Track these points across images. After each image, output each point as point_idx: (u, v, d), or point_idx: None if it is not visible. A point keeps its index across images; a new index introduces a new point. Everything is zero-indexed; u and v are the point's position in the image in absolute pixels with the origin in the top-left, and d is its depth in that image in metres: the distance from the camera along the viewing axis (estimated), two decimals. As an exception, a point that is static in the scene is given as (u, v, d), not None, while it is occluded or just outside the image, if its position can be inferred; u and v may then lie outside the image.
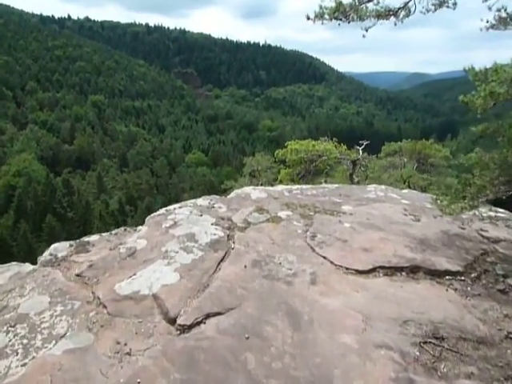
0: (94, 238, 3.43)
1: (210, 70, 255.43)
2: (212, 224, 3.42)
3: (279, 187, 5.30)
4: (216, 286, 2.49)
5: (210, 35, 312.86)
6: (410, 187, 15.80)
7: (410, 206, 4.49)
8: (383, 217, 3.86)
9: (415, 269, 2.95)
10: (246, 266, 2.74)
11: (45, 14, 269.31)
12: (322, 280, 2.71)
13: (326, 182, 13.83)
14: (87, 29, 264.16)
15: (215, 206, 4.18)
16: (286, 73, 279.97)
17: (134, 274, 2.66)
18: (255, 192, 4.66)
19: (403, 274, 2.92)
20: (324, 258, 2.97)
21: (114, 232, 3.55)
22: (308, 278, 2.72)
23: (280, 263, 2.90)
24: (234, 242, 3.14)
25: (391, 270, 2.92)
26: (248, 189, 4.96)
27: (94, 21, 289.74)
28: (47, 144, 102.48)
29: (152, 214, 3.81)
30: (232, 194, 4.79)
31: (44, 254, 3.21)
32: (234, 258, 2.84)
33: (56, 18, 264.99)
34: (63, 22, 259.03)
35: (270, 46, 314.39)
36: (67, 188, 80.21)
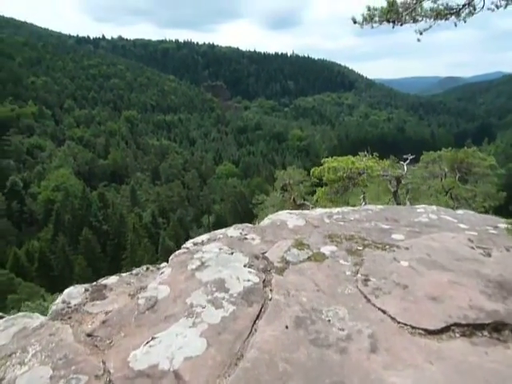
0: (112, 280, 2.99)
1: (238, 82, 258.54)
2: (245, 265, 2.91)
3: (317, 211, 4.75)
4: (252, 359, 1.97)
5: (237, 48, 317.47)
6: (452, 198, 14.76)
7: (474, 234, 3.85)
8: (446, 251, 3.25)
9: (500, 326, 2.34)
10: (287, 327, 2.22)
11: (81, 34, 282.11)
12: (385, 346, 2.14)
13: (364, 198, 13.01)
14: (120, 47, 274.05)
15: (247, 237, 3.69)
16: (314, 82, 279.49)
17: (153, 339, 2.19)
18: (292, 219, 4.13)
19: (485, 333, 2.30)
20: (383, 311, 2.41)
21: (134, 272, 3.10)
22: (366, 344, 2.15)
23: (329, 320, 2.35)
24: (271, 290, 2.63)
25: (469, 329, 2.31)
26: (283, 214, 4.45)
27: (127, 39, 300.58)
28: (83, 159, 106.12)
29: (177, 252, 3.35)
30: (266, 221, 4.29)
31: (57, 301, 2.78)
32: (273, 314, 2.33)
33: (91, 38, 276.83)
34: (98, 42, 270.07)
35: (297, 56, 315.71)
36: (102, 201, 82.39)
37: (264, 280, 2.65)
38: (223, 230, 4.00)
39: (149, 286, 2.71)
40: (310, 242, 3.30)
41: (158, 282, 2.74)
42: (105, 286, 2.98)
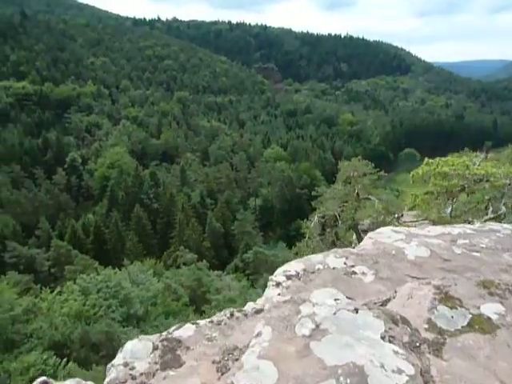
0: (188, 331, 2.20)
1: (290, 64, 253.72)
2: (382, 337, 1.99)
3: (431, 231, 3.74)
4: None
5: (290, 29, 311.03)
6: None
7: None
8: None
9: None
10: None
11: (138, 16, 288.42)
12: None
13: (451, 210, 11.23)
14: (175, 28, 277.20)
15: (356, 270, 2.80)
16: (368, 65, 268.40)
17: None
18: (410, 246, 3.16)
19: None
20: None
21: (216, 320, 2.30)
22: None
23: None
24: (434, 389, 1.72)
25: None
26: (388, 233, 3.51)
27: (181, 21, 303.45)
28: (137, 138, 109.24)
29: (274, 298, 2.50)
30: (367, 244, 3.37)
31: (116, 360, 2.00)
32: None
33: (147, 19, 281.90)
34: (153, 24, 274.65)
35: (351, 37, 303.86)
36: (153, 180, 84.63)
37: (421, 370, 1.77)
38: (321, 257, 3.12)
39: (244, 359, 1.90)
40: (460, 294, 2.35)
41: (257, 353, 1.92)
42: (179, 341, 2.20)
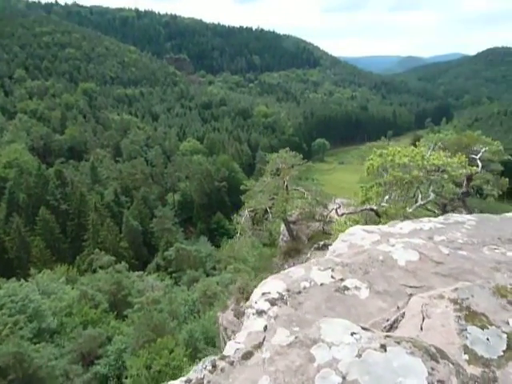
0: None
1: (202, 55, 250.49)
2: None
3: (403, 227, 3.45)
4: None
5: (201, 20, 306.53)
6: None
7: None
8: None
9: None
10: None
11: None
12: None
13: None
14: (75, 14, 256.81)
15: (348, 285, 2.34)
16: (279, 58, 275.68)
17: None
18: (396, 249, 2.80)
19: None
20: None
21: (195, 380, 1.63)
22: None
23: None
24: None
25: None
26: (359, 233, 3.12)
27: (82, 6, 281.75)
28: (38, 134, 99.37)
29: (254, 327, 1.93)
30: (342, 247, 2.95)
31: None
32: None
33: (42, 3, 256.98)
34: (50, 7, 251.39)
35: (262, 30, 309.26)
36: (60, 179, 77.79)
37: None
38: (303, 272, 2.61)
39: None
40: (483, 308, 1.99)
41: None
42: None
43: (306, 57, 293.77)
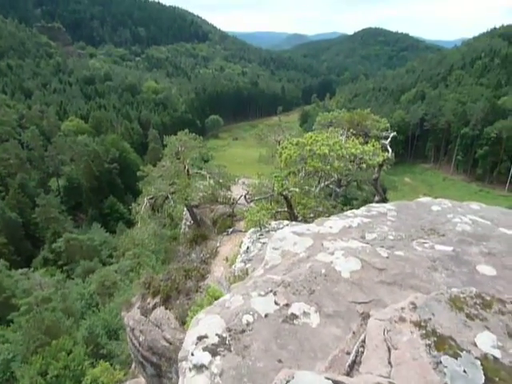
0: None
1: (80, 25, 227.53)
2: None
3: (332, 226, 3.25)
4: None
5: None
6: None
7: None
8: None
9: None
10: None
11: None
12: None
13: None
14: None
15: (295, 312, 2.03)
16: (166, 30, 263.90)
17: None
18: (337, 259, 2.56)
19: None
20: None
21: None
22: None
23: None
24: None
25: None
26: (295, 239, 2.86)
27: None
28: None
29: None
30: (275, 258, 2.64)
31: None
32: None
33: None
34: None
35: (146, 0, 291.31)
36: None
37: None
38: (240, 300, 2.18)
39: None
40: (447, 328, 1.77)
41: None
42: None
43: (194, 30, 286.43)
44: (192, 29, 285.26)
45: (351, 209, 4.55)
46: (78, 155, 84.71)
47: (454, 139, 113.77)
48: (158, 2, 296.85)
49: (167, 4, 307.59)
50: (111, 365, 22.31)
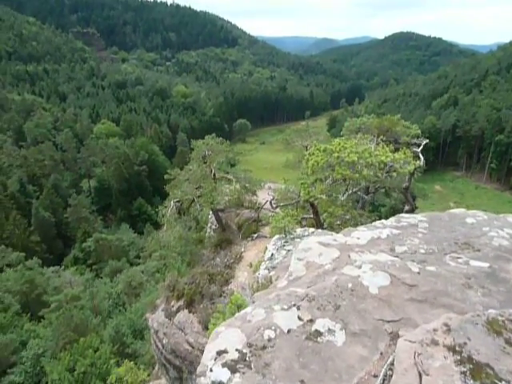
0: None
1: (113, 30, 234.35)
2: None
3: (360, 237, 3.14)
4: None
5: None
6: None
7: None
8: None
9: None
10: None
11: None
12: None
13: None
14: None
15: (319, 329, 1.94)
16: (197, 35, 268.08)
17: None
18: (364, 273, 2.46)
19: None
20: None
21: None
22: None
23: None
24: None
25: None
26: (321, 250, 2.75)
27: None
28: None
29: None
30: (300, 269, 2.55)
31: None
32: None
33: None
34: None
35: (178, 5, 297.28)
36: (-49, 169, 68.93)
37: None
38: (263, 314, 2.11)
39: None
40: (484, 355, 1.68)
41: None
42: None
43: (224, 35, 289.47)
44: (222, 34, 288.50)
45: (378, 216, 4.41)
46: (109, 157, 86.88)
47: (487, 146, 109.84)
48: (190, 8, 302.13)
49: (198, 9, 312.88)
50: (136, 364, 22.63)
